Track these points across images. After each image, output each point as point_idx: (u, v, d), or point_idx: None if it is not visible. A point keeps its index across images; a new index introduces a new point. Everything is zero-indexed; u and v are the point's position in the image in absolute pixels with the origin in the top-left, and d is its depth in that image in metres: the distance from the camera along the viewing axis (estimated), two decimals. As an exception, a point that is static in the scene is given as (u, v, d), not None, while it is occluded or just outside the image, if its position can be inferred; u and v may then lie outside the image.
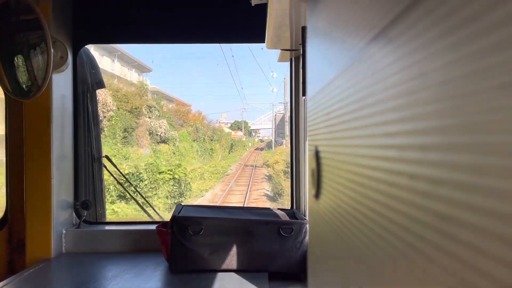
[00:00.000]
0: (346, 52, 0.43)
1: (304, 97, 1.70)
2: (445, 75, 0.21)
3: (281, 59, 1.83)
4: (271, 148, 31.99)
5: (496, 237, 0.17)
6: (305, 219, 1.53)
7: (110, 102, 13.84)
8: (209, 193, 13.16)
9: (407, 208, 0.26)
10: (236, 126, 49.99)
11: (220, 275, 1.42)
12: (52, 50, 1.44)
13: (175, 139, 17.95)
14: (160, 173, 12.13)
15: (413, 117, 0.25)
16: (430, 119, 0.23)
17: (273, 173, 15.51)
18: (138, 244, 1.73)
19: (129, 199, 9.63)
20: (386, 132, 0.30)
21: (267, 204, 11.03)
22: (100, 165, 1.97)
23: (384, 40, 0.31)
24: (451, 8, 0.21)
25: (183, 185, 12.28)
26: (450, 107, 0.21)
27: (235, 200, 11.30)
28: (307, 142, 0.96)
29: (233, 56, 34.24)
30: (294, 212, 1.68)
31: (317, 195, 0.62)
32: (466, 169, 0.19)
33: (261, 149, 34.62)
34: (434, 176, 0.22)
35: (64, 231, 1.72)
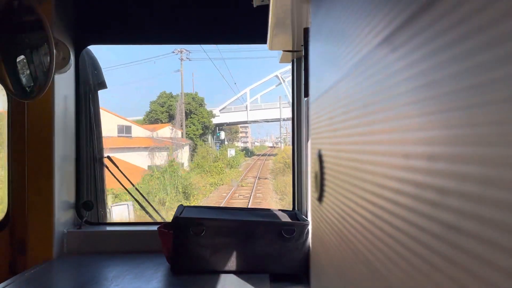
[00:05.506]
0: (350, 56, 0.43)
1: (306, 98, 1.70)
2: (453, 85, 0.21)
3: (283, 60, 1.83)
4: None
5: (505, 250, 0.17)
6: (307, 221, 1.52)
7: None
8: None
9: (414, 216, 0.26)
10: (164, 110, 19.25)
11: (221, 276, 1.42)
12: (54, 51, 1.44)
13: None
14: None
15: (420, 126, 0.25)
16: (438, 128, 0.23)
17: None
18: (139, 245, 1.73)
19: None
20: (392, 139, 0.30)
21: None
22: (102, 165, 1.97)
23: (389, 47, 0.31)
24: (459, 17, 0.21)
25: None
26: (458, 117, 0.21)
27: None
28: (309, 142, 0.96)
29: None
30: (296, 214, 1.68)
31: (320, 198, 0.62)
32: (474, 180, 0.19)
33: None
34: (441, 186, 0.22)
35: (65, 232, 1.72)
